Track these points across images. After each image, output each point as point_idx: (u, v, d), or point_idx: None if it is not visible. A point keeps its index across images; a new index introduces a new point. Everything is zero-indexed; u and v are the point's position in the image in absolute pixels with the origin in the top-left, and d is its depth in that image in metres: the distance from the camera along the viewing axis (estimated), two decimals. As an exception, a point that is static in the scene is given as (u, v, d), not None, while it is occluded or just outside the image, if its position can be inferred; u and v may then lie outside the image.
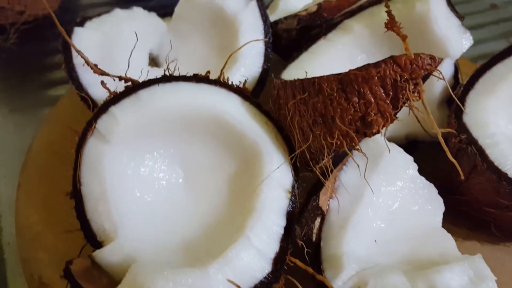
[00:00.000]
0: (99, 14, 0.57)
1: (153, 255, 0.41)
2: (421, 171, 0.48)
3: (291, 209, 0.43)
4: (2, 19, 0.72)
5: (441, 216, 0.46)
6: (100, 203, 0.42)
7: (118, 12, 0.58)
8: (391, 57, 0.38)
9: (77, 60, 0.51)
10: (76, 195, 0.43)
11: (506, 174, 0.45)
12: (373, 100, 0.38)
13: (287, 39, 0.60)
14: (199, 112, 0.45)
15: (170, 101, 0.45)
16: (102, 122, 0.44)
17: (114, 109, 0.44)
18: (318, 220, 0.44)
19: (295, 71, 0.52)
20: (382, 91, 0.38)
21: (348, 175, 0.46)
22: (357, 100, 0.39)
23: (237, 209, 0.44)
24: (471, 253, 0.44)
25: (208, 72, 0.47)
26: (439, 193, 0.47)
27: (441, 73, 0.37)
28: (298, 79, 0.43)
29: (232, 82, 0.48)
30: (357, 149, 0.41)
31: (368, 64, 0.38)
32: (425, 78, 0.38)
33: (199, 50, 0.61)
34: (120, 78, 0.45)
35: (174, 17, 0.61)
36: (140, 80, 0.46)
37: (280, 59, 0.65)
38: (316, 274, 0.38)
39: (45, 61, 0.77)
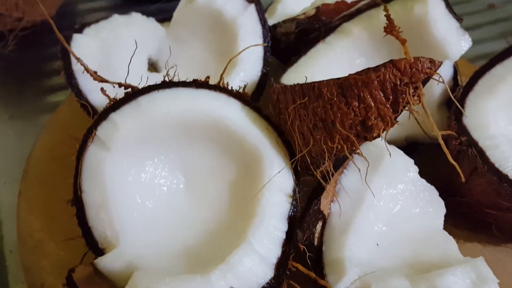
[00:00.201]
0: (97, 21, 0.57)
1: (155, 261, 0.41)
2: (421, 173, 0.48)
3: (292, 214, 0.43)
4: (0, 26, 0.72)
5: (443, 219, 0.46)
6: (101, 211, 0.42)
7: (116, 18, 0.58)
8: (391, 61, 0.38)
9: (76, 67, 0.51)
10: (77, 203, 0.43)
11: (507, 175, 0.45)
12: (373, 104, 0.38)
13: (286, 43, 0.60)
14: (199, 117, 0.45)
15: (170, 107, 0.45)
16: (102, 129, 0.44)
17: (114, 116, 0.44)
18: (320, 224, 0.44)
19: (295, 75, 0.52)
20: (382, 95, 0.38)
21: (349, 178, 0.46)
22: (357, 104, 0.39)
23: (238, 214, 0.44)
24: (472, 255, 0.44)
25: (208, 77, 0.47)
26: (440, 195, 0.47)
27: (440, 76, 0.37)
28: (298, 84, 0.43)
29: (232, 87, 0.48)
30: (358, 153, 0.41)
31: (368, 68, 0.38)
32: (425, 82, 0.38)
33: (198, 54, 0.61)
34: (120, 85, 0.45)
35: (172, 22, 0.61)
36: (140, 87, 0.46)
37: (279, 62, 0.65)
38: (318, 279, 0.38)
39: (44, 67, 0.76)
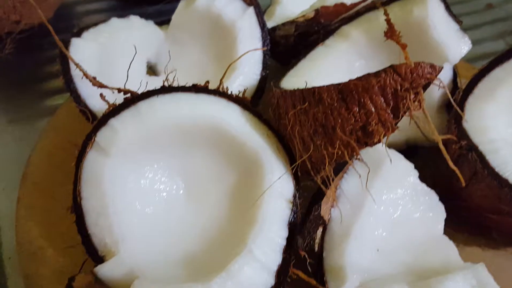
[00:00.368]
0: (95, 24, 0.57)
1: (155, 269, 0.41)
2: (421, 177, 0.48)
3: (293, 220, 0.43)
4: (-2, 29, 0.72)
5: (443, 223, 0.46)
6: (101, 218, 0.42)
7: (115, 22, 0.58)
8: (391, 66, 0.38)
9: (75, 72, 0.51)
10: (77, 210, 0.43)
11: (507, 180, 0.44)
12: (373, 110, 0.38)
13: (285, 46, 0.60)
14: (199, 122, 0.45)
15: (169, 112, 0.45)
16: (102, 135, 0.43)
17: (113, 122, 0.44)
18: (320, 229, 0.44)
19: (294, 78, 0.52)
20: (383, 101, 0.38)
21: (349, 183, 0.45)
22: (357, 109, 0.39)
23: (238, 220, 0.44)
24: (472, 258, 0.44)
25: (207, 82, 0.47)
26: (440, 199, 0.47)
27: (441, 81, 0.37)
28: (298, 89, 0.43)
29: (231, 92, 0.48)
30: (358, 159, 0.40)
31: (368, 74, 0.38)
32: (425, 87, 0.38)
33: (197, 58, 0.60)
34: (119, 90, 0.45)
35: (171, 25, 0.61)
36: (139, 91, 0.46)
37: (278, 65, 0.65)
38: (319, 286, 0.38)
39: (42, 70, 0.76)
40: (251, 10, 0.57)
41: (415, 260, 0.44)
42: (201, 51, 0.60)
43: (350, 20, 0.55)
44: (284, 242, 0.42)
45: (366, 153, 0.46)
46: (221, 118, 0.45)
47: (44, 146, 0.59)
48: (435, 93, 0.54)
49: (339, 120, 0.39)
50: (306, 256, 0.42)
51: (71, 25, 0.85)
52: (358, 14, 0.55)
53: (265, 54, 0.57)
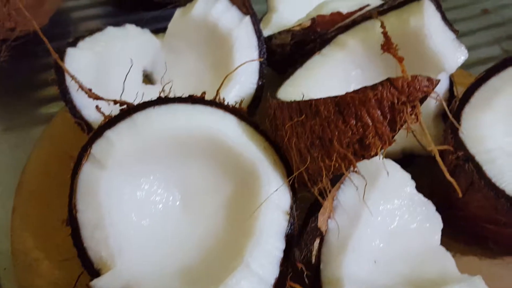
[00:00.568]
0: (91, 33, 0.57)
1: (151, 281, 0.41)
2: (418, 186, 0.48)
3: (290, 231, 0.43)
4: (-8, 36, 0.71)
5: (440, 234, 0.46)
6: (97, 231, 0.42)
7: (110, 30, 0.58)
8: (388, 79, 0.38)
9: (70, 82, 0.51)
10: (72, 222, 0.43)
11: (503, 191, 0.45)
12: (370, 123, 0.38)
13: (282, 54, 0.60)
14: (195, 134, 0.45)
15: (166, 123, 0.44)
16: (98, 147, 0.43)
17: (109, 133, 0.43)
18: (317, 241, 0.44)
19: (291, 88, 0.52)
20: (380, 114, 0.38)
21: (346, 194, 0.45)
22: (354, 122, 0.39)
23: (235, 232, 0.43)
24: (469, 268, 0.44)
25: (204, 93, 0.47)
26: (437, 208, 0.47)
27: (438, 95, 0.37)
28: (295, 101, 0.43)
29: (228, 102, 0.47)
30: (355, 171, 0.40)
31: (365, 87, 0.38)
32: (422, 100, 0.38)
33: (193, 66, 0.60)
34: (115, 102, 0.45)
35: (167, 34, 0.61)
36: (135, 102, 0.45)
37: (275, 73, 0.65)
38: (317, 299, 0.38)
39: (37, 77, 0.76)
40: (247, 19, 0.57)
41: (412, 271, 0.44)
42: (198, 59, 0.60)
43: (346, 29, 0.55)
44: (281, 255, 0.42)
45: (363, 164, 0.45)
46: (217, 129, 0.45)
47: (40, 155, 0.59)
48: (431, 102, 0.54)
49: (336, 133, 0.39)
50: (303, 268, 0.42)
51: (67, 31, 0.86)
52: (355, 23, 0.55)
53: (261, 63, 0.57)
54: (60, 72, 0.51)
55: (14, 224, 0.52)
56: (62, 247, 0.46)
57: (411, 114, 0.37)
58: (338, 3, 0.59)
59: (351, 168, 0.40)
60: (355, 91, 0.38)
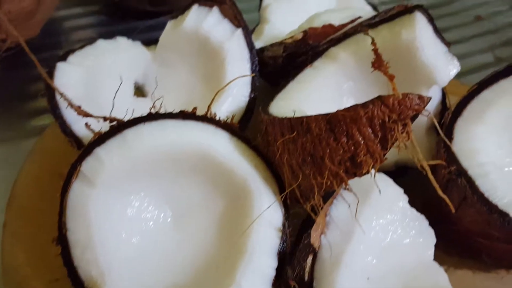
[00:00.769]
0: (82, 47, 0.56)
1: (142, 302, 0.40)
2: (411, 199, 0.47)
3: (282, 249, 0.43)
4: (-17, 48, 0.71)
5: (433, 249, 0.46)
6: (87, 250, 0.41)
7: (101, 44, 0.57)
8: (379, 98, 0.37)
9: (61, 98, 0.50)
10: (62, 241, 0.42)
11: (496, 206, 0.44)
12: (362, 141, 0.38)
13: (274, 66, 0.59)
14: (186, 150, 0.45)
15: (156, 140, 0.44)
16: (87, 165, 0.43)
17: (99, 151, 0.43)
18: (310, 258, 0.43)
19: (283, 102, 0.52)
20: (371, 132, 0.38)
21: (339, 209, 0.45)
22: (346, 140, 0.39)
23: (227, 250, 0.43)
24: (463, 282, 0.44)
25: (195, 108, 0.47)
26: (430, 222, 0.47)
27: (430, 113, 0.37)
28: (286, 118, 0.42)
29: (219, 117, 0.47)
30: (347, 189, 0.40)
31: (356, 105, 0.38)
32: (413, 118, 0.37)
33: (185, 78, 0.60)
34: (105, 119, 0.44)
35: (159, 46, 0.60)
36: (126, 117, 0.45)
37: (268, 85, 0.65)
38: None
39: (28, 88, 0.75)
40: (239, 31, 0.56)
41: (405, 287, 0.44)
42: (189, 72, 0.60)
43: (338, 42, 0.55)
44: (273, 273, 0.41)
45: (355, 179, 0.45)
46: (209, 145, 0.45)
47: (31, 169, 0.59)
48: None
49: (328, 150, 0.39)
50: (296, 286, 0.41)
51: (58, 41, 0.85)
52: (346, 35, 0.55)
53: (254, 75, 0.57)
54: (50, 87, 0.50)
55: (5, 240, 0.52)
56: (53, 265, 0.45)
57: (402, 132, 0.37)
58: (330, 15, 0.59)
59: (343, 186, 0.40)
60: (346, 109, 0.38)
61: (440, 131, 0.42)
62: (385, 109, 0.37)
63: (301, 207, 0.45)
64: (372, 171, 0.39)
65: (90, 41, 0.57)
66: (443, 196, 0.40)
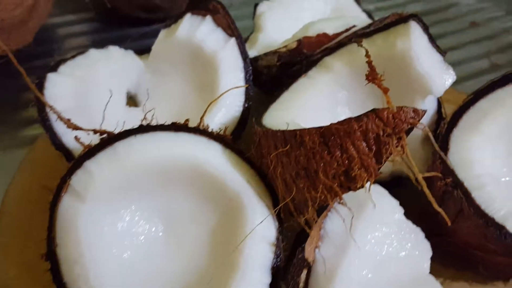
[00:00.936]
0: (73, 56, 0.56)
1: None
2: (406, 209, 0.47)
3: (276, 264, 0.42)
4: (-25, 56, 0.70)
5: (429, 262, 0.45)
6: (76, 266, 0.41)
7: (93, 53, 0.56)
8: (373, 111, 0.37)
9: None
10: (51, 257, 0.41)
11: (493, 218, 0.44)
12: (356, 155, 0.37)
13: (268, 75, 0.59)
14: (178, 163, 0.44)
15: (148, 153, 0.43)
16: (77, 179, 0.42)
17: (89, 164, 0.42)
18: (305, 272, 0.43)
19: (277, 112, 0.51)
20: (365, 146, 0.37)
21: (334, 222, 0.44)
22: (340, 154, 0.38)
23: (220, 265, 0.42)
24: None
25: (187, 120, 0.46)
26: (427, 233, 0.46)
27: (425, 126, 0.36)
28: (280, 130, 0.42)
29: (212, 129, 0.46)
30: (342, 203, 0.39)
31: (350, 118, 0.37)
32: (408, 132, 0.37)
33: (178, 88, 0.59)
34: (95, 132, 0.44)
35: (151, 55, 0.60)
36: (118, 128, 0.44)
37: (262, 93, 0.64)
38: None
39: (20, 97, 0.74)
40: (233, 41, 0.56)
41: (401, 302, 0.43)
42: (183, 81, 0.59)
43: (332, 51, 0.54)
44: (267, 289, 0.41)
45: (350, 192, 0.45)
46: (201, 158, 0.44)
47: (22, 181, 0.58)
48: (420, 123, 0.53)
49: (322, 164, 0.38)
50: (290, 302, 0.41)
51: (51, 49, 0.85)
52: (341, 44, 0.54)
53: (248, 85, 0.56)
54: (40, 99, 0.50)
55: (-5, 254, 0.51)
56: (44, 278, 0.44)
57: (397, 146, 0.36)
58: (324, 24, 0.58)
59: (338, 200, 0.39)
60: (339, 122, 0.38)
61: (435, 145, 0.41)
62: (379, 122, 0.36)
63: (295, 221, 0.44)
64: (367, 185, 0.38)
65: (82, 50, 0.56)
66: (438, 210, 0.39)
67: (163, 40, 0.58)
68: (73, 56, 0.55)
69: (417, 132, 0.54)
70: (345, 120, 0.38)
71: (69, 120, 0.43)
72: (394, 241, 0.45)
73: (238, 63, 0.56)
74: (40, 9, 0.75)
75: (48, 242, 0.42)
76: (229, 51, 0.56)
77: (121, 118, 0.54)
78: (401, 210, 0.46)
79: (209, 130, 0.46)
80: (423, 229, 0.47)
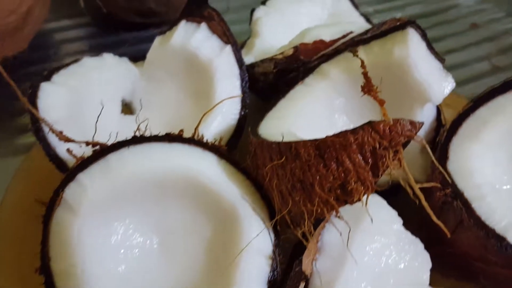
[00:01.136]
0: (67, 64, 0.55)
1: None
2: (405, 218, 0.46)
3: (272, 277, 0.41)
4: (-30, 64, 0.69)
5: (429, 273, 0.44)
6: (70, 280, 0.40)
7: (87, 61, 0.56)
8: (370, 123, 0.36)
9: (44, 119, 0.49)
10: (45, 271, 0.41)
11: (494, 230, 0.43)
12: (352, 168, 0.37)
13: (265, 82, 0.58)
14: (173, 174, 0.43)
15: (141, 164, 0.43)
16: (70, 191, 0.41)
17: (81, 177, 0.42)
18: (302, 285, 0.42)
19: (274, 121, 0.50)
20: (361, 159, 0.36)
21: (331, 234, 0.43)
22: (335, 167, 0.37)
23: (215, 280, 0.42)
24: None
25: (181, 130, 0.45)
26: (426, 243, 0.46)
27: (422, 139, 0.36)
28: (275, 142, 0.41)
29: (207, 140, 0.46)
30: (338, 217, 0.39)
31: (346, 131, 0.37)
32: (405, 145, 0.36)
33: (173, 95, 0.58)
34: (87, 144, 0.43)
35: (146, 62, 0.59)
36: (111, 140, 0.44)
37: (259, 100, 0.64)
38: None
39: (16, 104, 0.73)
40: (228, 48, 0.55)
41: (400, 315, 0.42)
42: (178, 88, 0.58)
43: (329, 58, 0.53)
44: (263, 304, 0.40)
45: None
46: (196, 169, 0.43)
47: (16, 191, 0.57)
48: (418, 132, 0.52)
49: (317, 177, 0.38)
50: (287, 316, 0.40)
51: (47, 54, 0.84)
52: (338, 51, 0.53)
53: (244, 92, 0.55)
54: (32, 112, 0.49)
55: (-12, 265, 0.50)
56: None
57: (393, 159, 0.36)
58: (321, 30, 0.58)
59: (334, 214, 0.38)
60: (335, 135, 0.37)
61: (433, 159, 0.40)
62: (375, 135, 0.36)
63: (292, 232, 0.43)
64: (364, 198, 0.37)
65: (76, 59, 0.56)
66: (437, 222, 0.38)
67: (158, 47, 0.57)
68: (67, 65, 0.55)
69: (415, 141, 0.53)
70: (340, 132, 0.37)
71: (61, 132, 0.43)
72: (393, 252, 0.44)
73: (234, 70, 0.55)
74: (35, 16, 0.75)
75: (42, 255, 0.42)
76: (225, 58, 0.55)
77: (115, 126, 0.54)
78: (399, 221, 0.45)
79: (204, 140, 0.46)
80: (423, 239, 0.46)
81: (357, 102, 0.53)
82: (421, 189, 0.40)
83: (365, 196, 0.37)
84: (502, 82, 0.50)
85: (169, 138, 0.44)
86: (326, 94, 0.53)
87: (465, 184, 0.46)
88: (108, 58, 0.58)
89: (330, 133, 0.53)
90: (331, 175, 0.37)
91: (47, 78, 0.52)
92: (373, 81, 0.43)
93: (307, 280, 0.42)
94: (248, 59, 0.62)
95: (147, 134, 0.44)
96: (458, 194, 0.45)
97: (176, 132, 0.45)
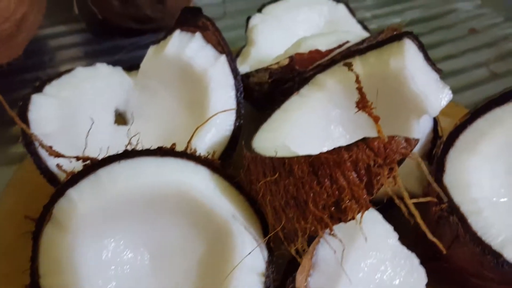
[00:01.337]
0: (59, 75, 0.54)
1: None
2: (401, 231, 0.45)
3: (265, 295, 0.41)
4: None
5: (424, 289, 0.44)
6: (60, 298, 0.39)
7: (79, 71, 0.55)
8: (364, 140, 0.35)
9: (35, 132, 0.48)
10: (34, 289, 0.40)
11: (490, 246, 0.42)
12: (346, 185, 0.36)
13: (260, 92, 0.57)
14: (164, 189, 0.42)
15: (132, 179, 0.42)
16: (59, 208, 0.41)
17: (71, 192, 0.41)
18: (295, 303, 0.41)
19: (268, 134, 0.49)
20: (356, 176, 0.36)
21: (325, 250, 0.43)
22: (329, 184, 0.37)
23: (207, 297, 0.41)
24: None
25: (174, 144, 0.45)
26: (422, 258, 0.45)
27: (418, 157, 0.35)
28: (268, 158, 0.40)
29: (200, 153, 0.45)
30: (333, 235, 0.38)
31: (340, 147, 0.36)
32: (400, 162, 0.35)
33: (167, 106, 0.58)
34: (77, 159, 0.42)
35: (140, 72, 0.58)
36: (102, 154, 0.43)
37: (254, 109, 0.63)
38: None
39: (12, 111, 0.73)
40: (223, 58, 0.54)
41: (396, 331, 0.42)
42: (172, 99, 0.57)
43: (325, 69, 0.53)
44: (256, 322, 0.39)
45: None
46: (188, 184, 0.43)
47: (8, 203, 0.57)
48: (415, 144, 0.51)
49: (311, 194, 0.37)
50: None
51: (42, 61, 0.83)
52: (333, 61, 0.53)
53: (239, 103, 0.55)
54: (24, 122, 0.48)
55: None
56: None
57: (388, 177, 0.35)
58: (316, 39, 0.57)
59: (328, 231, 0.38)
60: (329, 152, 0.36)
61: (429, 177, 0.40)
62: (370, 153, 0.35)
63: (285, 248, 0.42)
64: (358, 216, 0.37)
65: (69, 70, 0.55)
66: (433, 239, 0.38)
67: (152, 57, 0.57)
68: (59, 75, 0.54)
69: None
70: (334, 149, 0.36)
71: (50, 147, 0.42)
72: (389, 268, 0.44)
73: (229, 80, 0.55)
74: (30, 22, 0.74)
75: (31, 272, 0.41)
76: (219, 68, 0.54)
77: (108, 137, 0.53)
78: (395, 236, 0.45)
79: (197, 154, 0.45)
80: (419, 253, 0.45)
81: (353, 112, 0.52)
82: (417, 203, 0.40)
83: (360, 214, 0.36)
84: (499, 93, 0.49)
85: (161, 152, 0.44)
86: (322, 105, 0.53)
87: (462, 198, 0.45)
88: (101, 68, 0.57)
89: (326, 144, 0.53)
90: (325, 192, 0.37)
91: (39, 89, 0.51)
92: (369, 92, 0.42)
93: (301, 297, 0.42)
94: (243, 68, 0.61)
95: (139, 147, 0.44)
96: (454, 209, 0.44)
97: (169, 145, 0.45)
